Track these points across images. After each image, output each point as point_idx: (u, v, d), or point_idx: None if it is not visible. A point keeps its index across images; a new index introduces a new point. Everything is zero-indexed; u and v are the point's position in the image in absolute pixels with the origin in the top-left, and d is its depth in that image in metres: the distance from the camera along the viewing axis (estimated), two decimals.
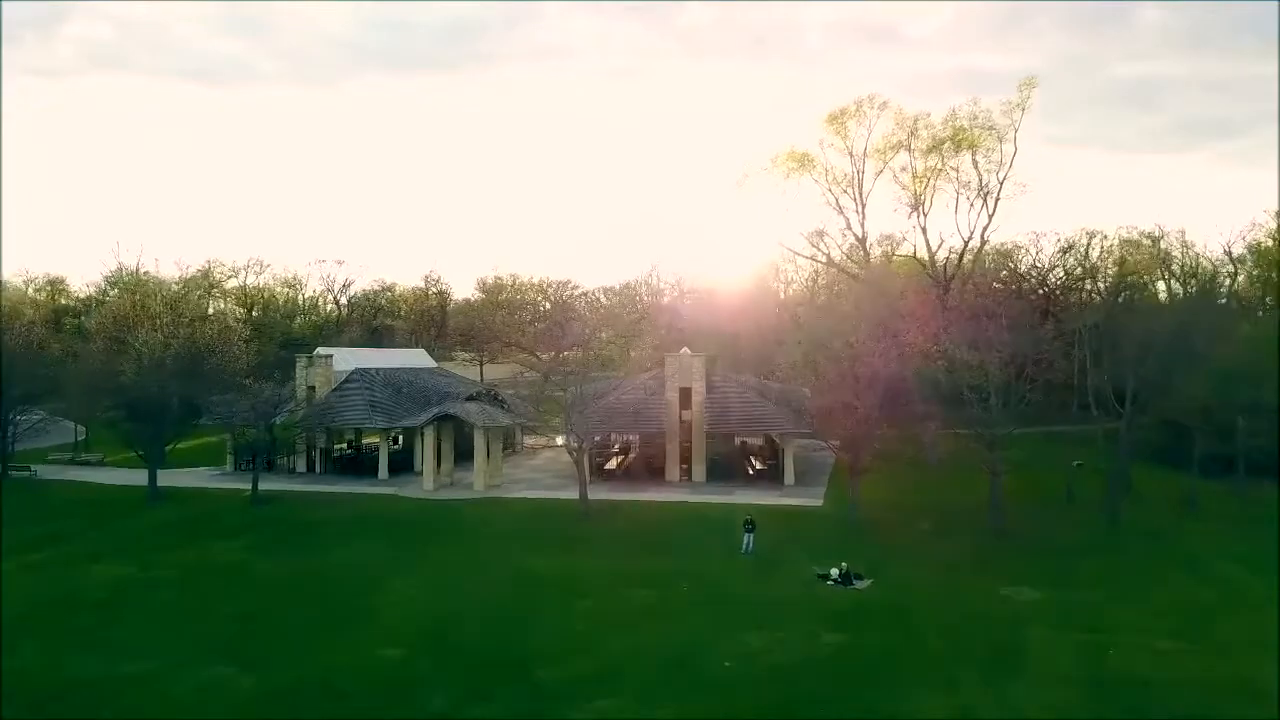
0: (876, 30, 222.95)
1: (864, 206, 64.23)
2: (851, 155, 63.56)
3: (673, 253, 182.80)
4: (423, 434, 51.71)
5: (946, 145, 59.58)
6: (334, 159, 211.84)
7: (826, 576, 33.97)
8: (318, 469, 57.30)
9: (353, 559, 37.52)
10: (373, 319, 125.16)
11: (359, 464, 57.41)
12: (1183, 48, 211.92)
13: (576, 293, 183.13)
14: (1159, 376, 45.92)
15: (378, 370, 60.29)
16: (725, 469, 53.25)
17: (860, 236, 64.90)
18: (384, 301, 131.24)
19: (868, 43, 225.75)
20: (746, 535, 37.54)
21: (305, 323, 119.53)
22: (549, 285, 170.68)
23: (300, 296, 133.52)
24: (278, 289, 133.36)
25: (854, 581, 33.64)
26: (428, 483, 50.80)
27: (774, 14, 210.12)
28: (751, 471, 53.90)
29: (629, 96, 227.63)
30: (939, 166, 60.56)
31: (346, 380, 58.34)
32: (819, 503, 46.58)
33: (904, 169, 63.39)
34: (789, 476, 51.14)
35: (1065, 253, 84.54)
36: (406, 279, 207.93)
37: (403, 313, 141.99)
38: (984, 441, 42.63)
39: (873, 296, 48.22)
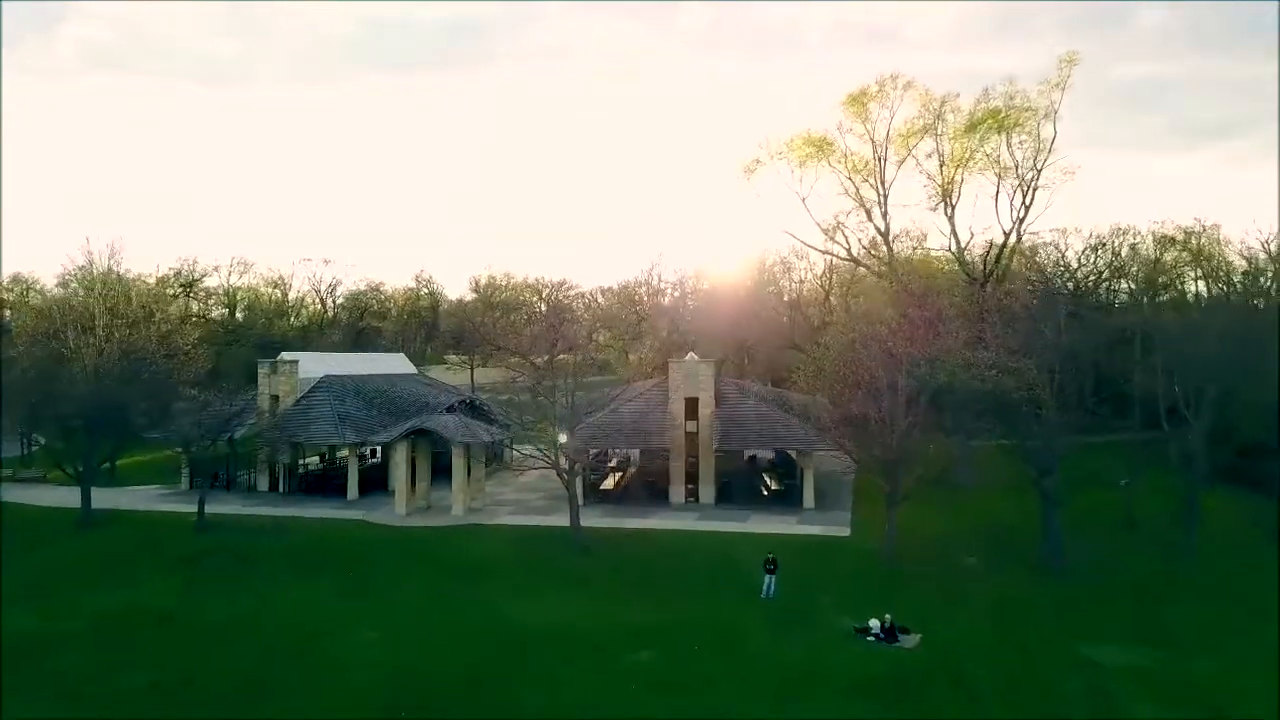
0: (876, 31, 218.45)
1: (886, 197, 58.49)
2: (873, 141, 57.81)
3: (674, 252, 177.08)
4: (394, 451, 45.79)
5: (985, 127, 53.68)
6: (332, 159, 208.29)
7: (865, 630, 28.29)
8: (281, 488, 51.41)
9: (303, 602, 31.78)
10: (359, 320, 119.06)
11: (327, 483, 51.51)
12: (1183, 48, 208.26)
13: (573, 293, 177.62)
14: (1234, 386, 40.38)
15: (348, 378, 54.44)
16: (736, 489, 47.42)
17: (883, 229, 59.10)
18: (371, 303, 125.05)
19: (867, 43, 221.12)
20: (767, 577, 31.77)
21: (288, 324, 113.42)
22: (544, 285, 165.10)
23: (285, 296, 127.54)
24: (263, 289, 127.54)
25: (899, 637, 27.93)
26: (400, 506, 44.96)
27: (773, 14, 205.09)
28: (766, 492, 48.06)
29: (627, 97, 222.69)
30: (972, 152, 54.68)
31: (313, 389, 52.47)
32: (845, 532, 40.73)
33: (929, 155, 57.68)
34: (809, 498, 45.34)
35: (1096, 250, 78.70)
36: (400, 279, 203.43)
37: (392, 314, 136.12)
38: (1037, 461, 36.90)
39: (905, 296, 42.38)
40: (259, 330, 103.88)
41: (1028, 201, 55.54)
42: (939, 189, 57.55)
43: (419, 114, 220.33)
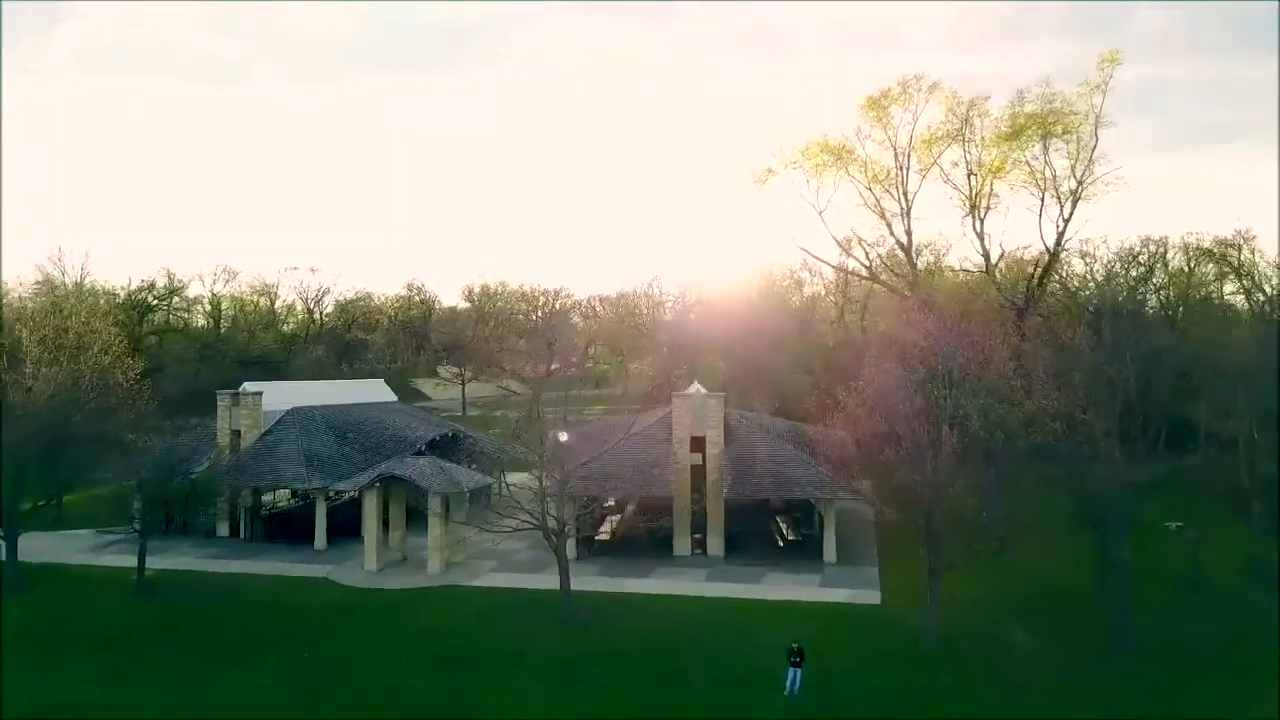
0: (874, 32, 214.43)
1: (909, 210, 53.57)
2: (895, 148, 52.89)
3: (677, 261, 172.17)
4: (364, 500, 40.72)
5: (1030, 133, 48.69)
6: (327, 163, 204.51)
7: None
8: (243, 533, 46.36)
9: (240, 695, 26.76)
10: (346, 331, 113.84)
11: (294, 527, 46.38)
12: (1181, 50, 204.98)
13: (570, 301, 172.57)
14: None
15: (319, 410, 49.38)
16: (748, 538, 42.39)
17: (905, 244, 54.15)
18: (358, 313, 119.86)
19: (865, 45, 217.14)
20: (791, 670, 26.75)
21: (270, 337, 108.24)
22: (538, 294, 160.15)
23: (272, 305, 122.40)
24: (248, 298, 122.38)
25: None
26: (370, 561, 39.93)
27: (771, 15, 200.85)
28: (782, 543, 43.02)
29: (625, 100, 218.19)
30: (1007, 159, 49.73)
31: (279, 423, 47.43)
32: (875, 598, 35.63)
33: (955, 164, 52.82)
34: (830, 551, 40.34)
35: (1128, 263, 73.58)
36: (394, 284, 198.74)
37: (382, 325, 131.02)
38: (1096, 513, 31.96)
39: (934, 318, 37.33)
40: (240, 343, 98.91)
41: (1067, 214, 50.65)
42: (967, 201, 52.67)
43: (415, 116, 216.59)
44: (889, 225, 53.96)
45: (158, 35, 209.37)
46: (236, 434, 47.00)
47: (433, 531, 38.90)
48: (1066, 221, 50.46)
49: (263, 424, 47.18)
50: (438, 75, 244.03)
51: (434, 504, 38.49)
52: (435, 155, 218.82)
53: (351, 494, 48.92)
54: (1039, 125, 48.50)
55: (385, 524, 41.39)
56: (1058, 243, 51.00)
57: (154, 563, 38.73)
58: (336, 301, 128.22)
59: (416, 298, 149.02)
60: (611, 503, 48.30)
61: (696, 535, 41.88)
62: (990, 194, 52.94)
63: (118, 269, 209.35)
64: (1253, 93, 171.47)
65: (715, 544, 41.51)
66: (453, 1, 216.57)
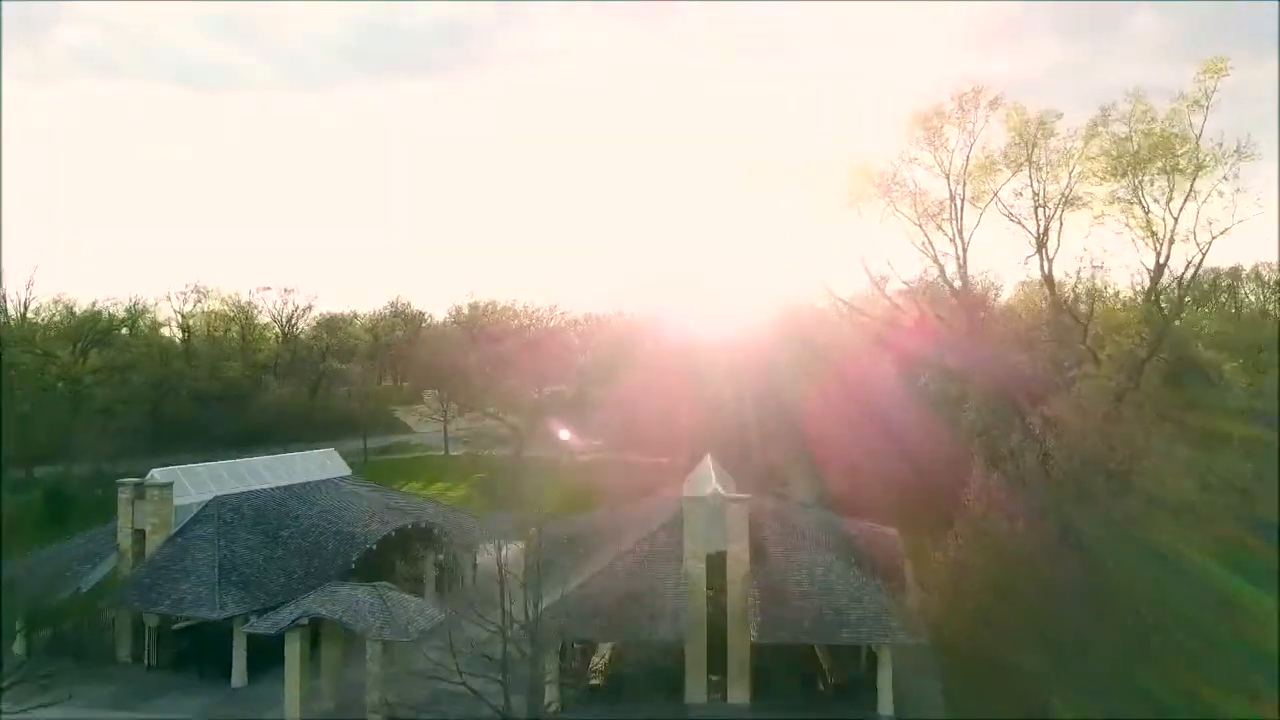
0: (871, 34, 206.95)
1: (965, 249, 44.64)
2: (948, 176, 43.93)
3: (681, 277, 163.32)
4: (287, 642, 31.50)
5: (1136, 154, 39.66)
6: (323, 167, 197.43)
7: None
8: (147, 658, 37.10)
9: None
10: (320, 362, 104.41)
11: (211, 649, 36.97)
12: (1178, 53, 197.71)
13: (566, 319, 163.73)
14: None
15: (247, 498, 40.22)
16: (779, 677, 33.24)
17: (956, 285, 45.15)
18: (331, 341, 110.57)
19: (862, 46, 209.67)
20: None
21: (238, 367, 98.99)
22: (530, 312, 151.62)
23: (243, 331, 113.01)
24: (216, 325, 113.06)
25: None
26: (293, 711, 30.87)
27: (768, 15, 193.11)
28: (822, 685, 33.90)
29: (623, 100, 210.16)
30: (1098, 191, 40.78)
31: (196, 519, 38.29)
32: None
33: (1020, 193, 43.89)
34: (885, 702, 31.24)
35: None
36: (380, 298, 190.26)
37: (361, 350, 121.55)
38: None
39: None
40: (201, 376, 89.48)
41: (1164, 256, 41.63)
42: (1036, 239, 43.76)
43: (410, 121, 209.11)
44: (941, 268, 44.98)
45: (148, 38, 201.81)
46: (140, 534, 37.94)
47: (370, 694, 29.71)
48: (1164, 262, 41.47)
49: (174, 521, 38.06)
50: (430, 79, 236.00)
51: (372, 655, 29.34)
52: (434, 157, 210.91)
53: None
54: (1154, 147, 39.12)
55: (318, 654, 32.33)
56: (1153, 287, 41.94)
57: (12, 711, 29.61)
58: (315, 321, 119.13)
59: (401, 316, 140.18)
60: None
61: (714, 677, 32.80)
62: (1061, 229, 44.13)
63: (98, 284, 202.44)
64: (1251, 96, 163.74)
65: (738, 689, 32.36)
66: (452, 2, 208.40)
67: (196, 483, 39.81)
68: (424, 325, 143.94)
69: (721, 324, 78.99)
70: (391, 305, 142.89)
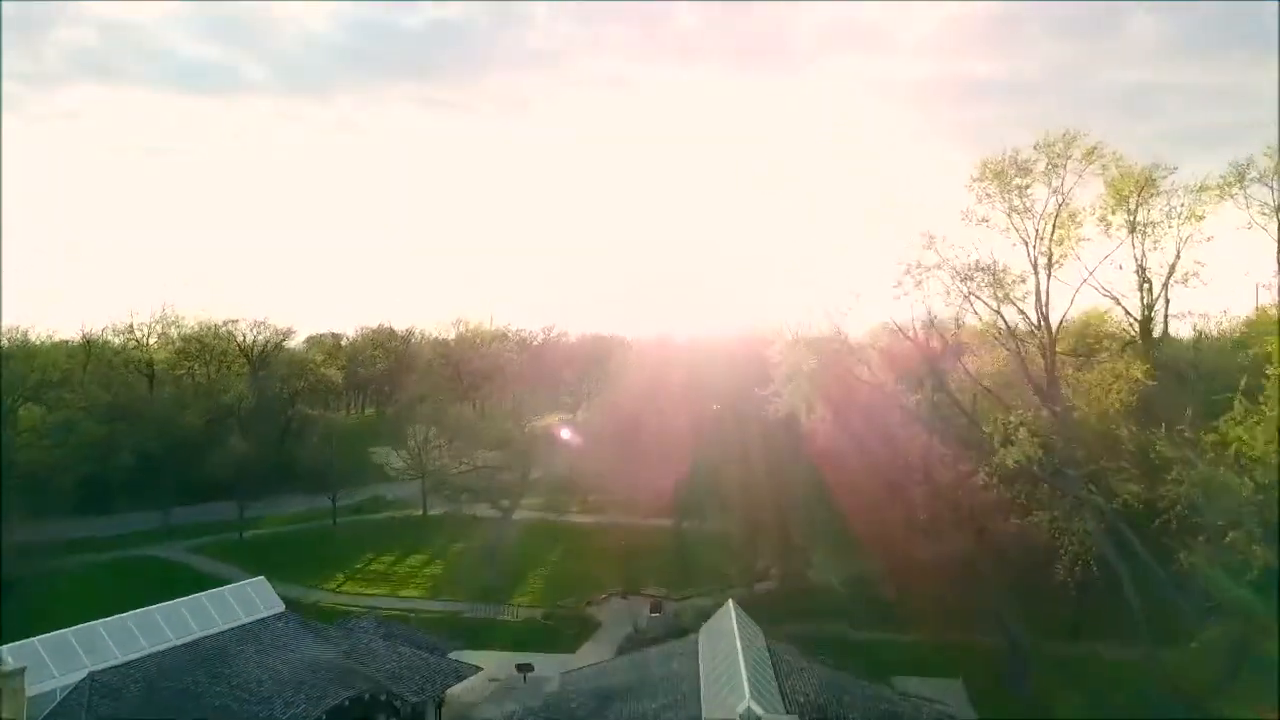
0: (868, 35, 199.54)
1: (1048, 317, 35.45)
2: (1026, 242, 34.73)
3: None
4: None
5: None
6: (318, 173, 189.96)
7: None
8: None
9: None
10: (286, 410, 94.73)
11: None
12: (1177, 54, 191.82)
13: (564, 341, 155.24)
14: None
15: (133, 673, 30.97)
16: None
17: (1044, 383, 35.77)
18: (301, 385, 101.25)
19: (860, 48, 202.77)
20: None
21: (197, 411, 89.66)
22: (522, 336, 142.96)
23: (207, 374, 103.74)
24: (186, 351, 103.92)
25: None
26: None
27: (765, 16, 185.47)
28: None
29: (623, 103, 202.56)
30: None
31: (65, 701, 29.23)
32: None
33: (1120, 267, 34.87)
34: None
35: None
36: (367, 315, 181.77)
37: (336, 387, 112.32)
38: None
39: None
40: (150, 434, 79.72)
41: None
42: (1139, 319, 34.75)
43: (407, 124, 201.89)
44: (1018, 345, 35.72)
45: (145, 40, 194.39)
46: None
47: None
48: None
49: (38, 713, 28.94)
50: (426, 82, 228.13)
51: None
52: (434, 157, 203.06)
53: None
54: None
55: None
56: None
57: None
58: (289, 360, 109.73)
59: (383, 348, 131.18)
60: None
61: None
62: (1167, 292, 35.21)
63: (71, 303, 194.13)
64: (1249, 97, 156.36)
65: None
66: (450, 1, 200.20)
67: (64, 657, 30.60)
68: (410, 344, 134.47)
69: (737, 368, 69.51)
70: (375, 332, 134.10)
